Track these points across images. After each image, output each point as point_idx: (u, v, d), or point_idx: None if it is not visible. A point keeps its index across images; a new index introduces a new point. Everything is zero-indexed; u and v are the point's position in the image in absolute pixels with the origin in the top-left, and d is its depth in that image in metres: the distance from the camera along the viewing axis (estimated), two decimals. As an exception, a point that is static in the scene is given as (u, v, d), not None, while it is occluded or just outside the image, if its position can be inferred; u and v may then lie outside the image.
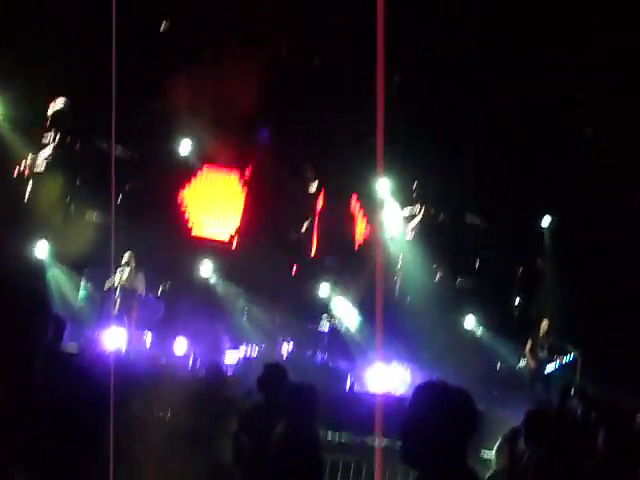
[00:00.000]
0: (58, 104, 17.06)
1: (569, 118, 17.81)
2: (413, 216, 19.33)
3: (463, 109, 17.91)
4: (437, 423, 3.39)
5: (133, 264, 15.70)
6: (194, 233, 18.32)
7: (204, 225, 18.43)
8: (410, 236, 19.19)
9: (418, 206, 19.41)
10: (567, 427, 7.27)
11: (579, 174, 17.53)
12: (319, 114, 17.62)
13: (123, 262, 15.69)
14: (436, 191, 19.77)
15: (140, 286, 15.69)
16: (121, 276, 15.57)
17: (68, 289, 16.61)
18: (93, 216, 17.29)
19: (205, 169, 18.26)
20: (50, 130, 17.18)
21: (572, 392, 7.69)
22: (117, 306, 15.41)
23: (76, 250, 17.03)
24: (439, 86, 17.89)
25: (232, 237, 18.51)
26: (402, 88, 17.72)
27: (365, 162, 17.64)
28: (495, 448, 9.64)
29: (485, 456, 9.51)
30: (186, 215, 18.18)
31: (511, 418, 10.36)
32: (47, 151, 17.14)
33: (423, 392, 3.55)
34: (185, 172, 18.04)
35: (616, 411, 6.66)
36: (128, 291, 15.56)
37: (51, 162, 17.11)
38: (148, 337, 16.07)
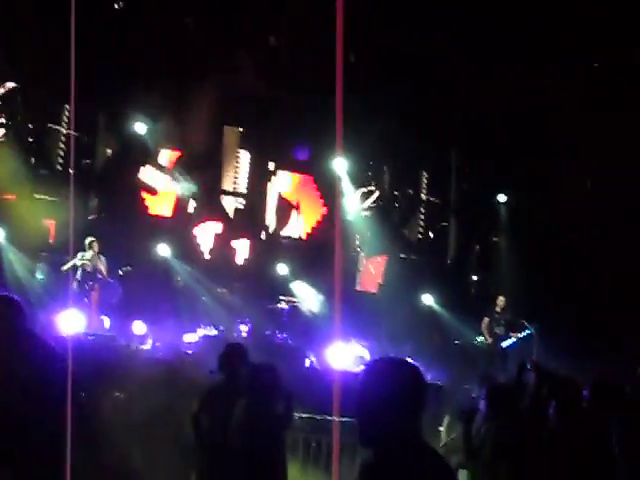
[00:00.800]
0: (8, 86, 16.89)
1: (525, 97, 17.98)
2: (369, 194, 19.39)
3: (420, 88, 18.01)
4: (385, 399, 3.37)
5: (95, 247, 15.60)
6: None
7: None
8: (366, 214, 19.26)
9: (374, 185, 19.50)
10: (523, 401, 7.39)
11: (535, 152, 17.76)
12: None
13: (86, 244, 15.61)
14: (392, 170, 19.87)
15: (102, 268, 15.60)
16: (82, 258, 15.47)
17: (25, 273, 16.47)
18: (49, 199, 17.18)
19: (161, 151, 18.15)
20: (2, 112, 16.99)
21: (527, 367, 7.80)
22: (76, 288, 15.30)
23: (32, 234, 16.92)
24: (394, 65, 17.94)
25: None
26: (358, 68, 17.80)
27: (321, 142, 17.72)
28: (445, 425, 9.79)
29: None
30: (144, 197, 18.03)
31: (469, 393, 10.52)
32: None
33: (370, 369, 3.53)
34: (142, 153, 17.88)
35: (566, 385, 6.78)
36: (89, 273, 15.46)
37: (5, 142, 16.95)
38: (107, 320, 16.01)
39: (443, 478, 3.37)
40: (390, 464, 3.35)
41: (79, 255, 15.48)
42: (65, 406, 3.75)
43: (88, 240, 15.68)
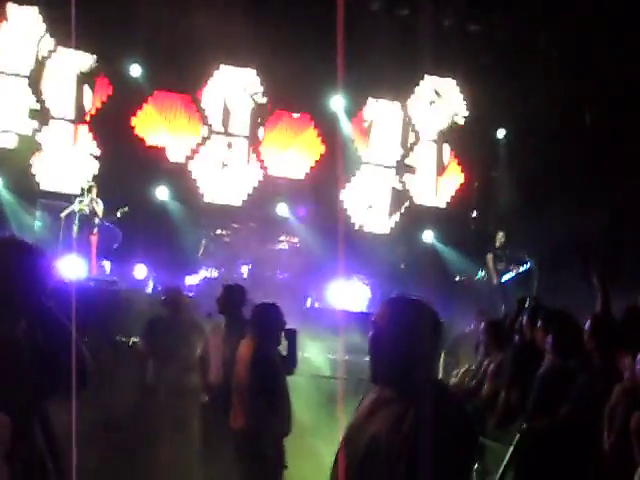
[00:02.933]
0: None
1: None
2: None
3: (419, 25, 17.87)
4: (404, 337, 3.40)
5: (94, 192, 15.56)
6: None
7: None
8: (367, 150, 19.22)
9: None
10: (521, 335, 7.44)
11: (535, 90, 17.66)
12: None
13: (84, 188, 15.56)
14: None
15: (99, 212, 15.56)
16: (80, 203, 15.44)
17: (23, 219, 16.48)
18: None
19: (156, 92, 17.95)
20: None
21: (527, 302, 7.82)
22: (75, 233, 15.29)
23: (28, 179, 16.91)
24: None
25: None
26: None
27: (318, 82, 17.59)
28: (441, 361, 9.86)
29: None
30: (142, 137, 17.88)
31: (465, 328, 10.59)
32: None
33: (387, 307, 3.56)
34: (136, 93, 17.72)
35: (561, 319, 6.78)
36: (87, 218, 15.45)
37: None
38: (108, 265, 16.05)
39: (459, 417, 3.38)
40: (401, 397, 3.38)
41: (77, 200, 15.45)
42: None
43: (86, 185, 15.64)
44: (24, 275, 3.61)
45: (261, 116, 18.66)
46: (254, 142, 18.60)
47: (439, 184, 19.70)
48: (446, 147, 19.79)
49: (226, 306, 8.29)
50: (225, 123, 18.50)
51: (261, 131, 18.65)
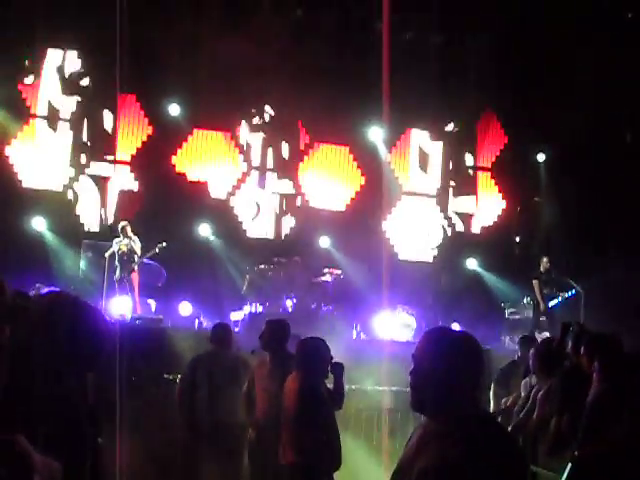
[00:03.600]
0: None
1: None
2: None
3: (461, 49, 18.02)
4: (443, 368, 3.40)
5: (128, 231, 15.66)
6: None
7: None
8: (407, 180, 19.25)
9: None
10: (567, 361, 7.33)
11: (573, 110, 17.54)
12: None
13: (119, 229, 15.69)
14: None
15: (137, 250, 15.66)
16: (119, 244, 15.56)
17: (67, 260, 16.66)
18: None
19: (195, 131, 18.12)
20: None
21: (571, 328, 7.72)
22: (118, 274, 15.41)
23: (74, 222, 17.11)
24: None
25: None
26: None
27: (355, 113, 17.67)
28: (491, 390, 9.73)
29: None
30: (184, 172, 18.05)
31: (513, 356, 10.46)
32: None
33: (430, 337, 3.58)
34: (176, 131, 17.91)
35: (605, 342, 6.68)
36: (127, 257, 15.55)
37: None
38: (153, 303, 16.13)
39: (508, 447, 3.36)
40: (447, 430, 3.35)
41: (115, 240, 15.60)
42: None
43: (120, 225, 15.78)
44: (87, 332, 3.65)
45: (300, 149, 18.76)
46: (293, 176, 18.69)
47: (481, 211, 19.63)
48: (487, 174, 19.75)
49: (269, 342, 8.28)
50: (264, 158, 18.62)
51: (300, 165, 18.75)
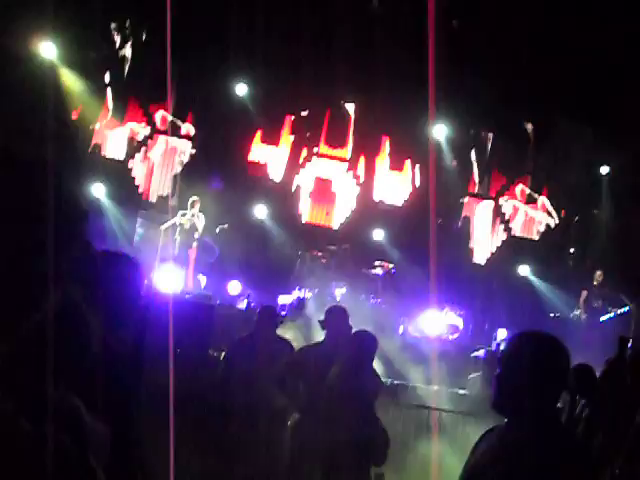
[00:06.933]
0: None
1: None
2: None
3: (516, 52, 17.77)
4: (536, 370, 3.45)
5: (197, 206, 15.78)
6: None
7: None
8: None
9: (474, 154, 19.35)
10: (621, 379, 7.19)
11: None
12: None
13: (189, 203, 15.82)
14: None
15: (199, 227, 15.77)
16: (183, 217, 15.68)
17: (124, 228, 16.82)
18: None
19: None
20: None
21: (630, 343, 7.57)
22: (177, 246, 15.52)
23: (132, 192, 17.31)
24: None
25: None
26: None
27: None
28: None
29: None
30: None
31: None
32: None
33: (518, 341, 3.61)
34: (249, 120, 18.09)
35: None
36: (187, 232, 15.66)
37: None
38: (203, 279, 16.23)
39: (584, 454, 3.39)
40: (524, 435, 3.40)
41: (179, 213, 15.70)
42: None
43: (191, 199, 15.88)
44: (134, 289, 3.71)
45: (362, 143, 18.79)
46: (355, 166, 18.69)
47: (537, 218, 19.48)
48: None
49: (331, 324, 8.29)
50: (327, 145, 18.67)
51: (362, 158, 18.77)
